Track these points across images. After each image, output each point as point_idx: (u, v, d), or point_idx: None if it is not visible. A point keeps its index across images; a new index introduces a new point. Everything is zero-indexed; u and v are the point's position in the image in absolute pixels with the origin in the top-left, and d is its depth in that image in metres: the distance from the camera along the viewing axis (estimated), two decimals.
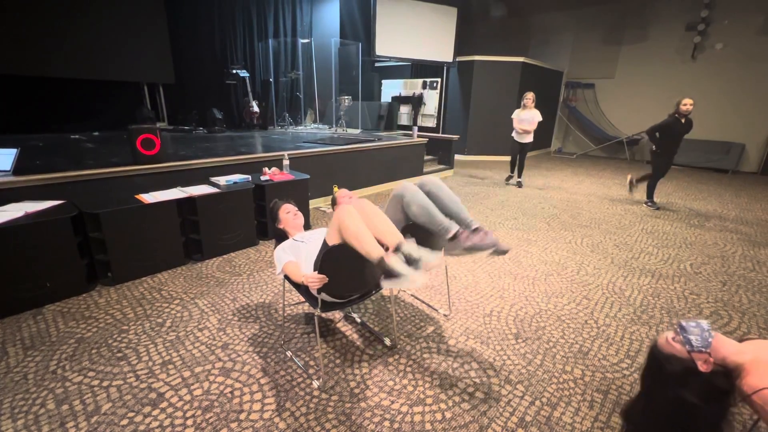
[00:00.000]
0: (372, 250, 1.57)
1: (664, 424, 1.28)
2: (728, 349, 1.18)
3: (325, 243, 1.75)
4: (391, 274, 1.55)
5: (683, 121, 4.62)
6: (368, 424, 1.59)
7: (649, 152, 5.30)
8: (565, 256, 3.41)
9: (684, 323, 1.26)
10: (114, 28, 6.32)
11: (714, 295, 2.78)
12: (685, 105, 4.54)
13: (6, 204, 2.54)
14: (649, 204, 5.16)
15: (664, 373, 1.25)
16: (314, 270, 1.67)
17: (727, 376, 1.16)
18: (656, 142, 4.89)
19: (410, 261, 1.57)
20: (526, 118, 5.68)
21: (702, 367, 1.18)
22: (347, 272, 1.75)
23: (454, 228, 1.87)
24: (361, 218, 1.64)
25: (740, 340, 1.26)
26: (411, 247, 1.61)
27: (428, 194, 1.96)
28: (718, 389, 1.16)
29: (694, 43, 8.42)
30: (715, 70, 8.35)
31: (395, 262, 1.53)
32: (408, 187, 1.97)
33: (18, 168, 2.82)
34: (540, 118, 5.68)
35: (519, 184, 6.18)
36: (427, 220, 1.89)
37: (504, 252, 1.84)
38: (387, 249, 1.62)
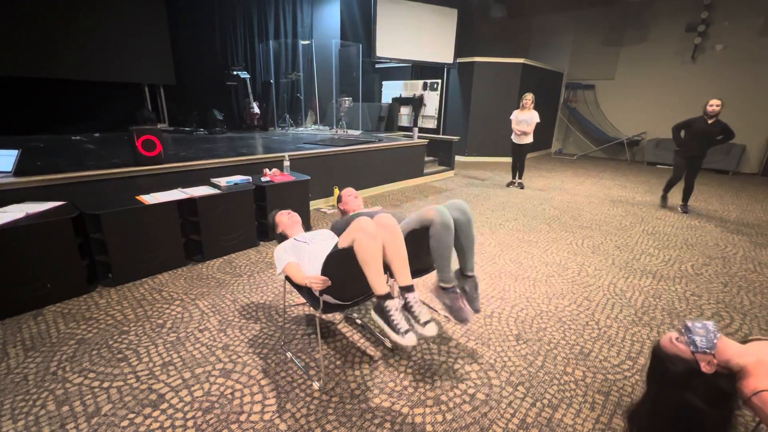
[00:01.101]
0: (377, 286, 1.55)
1: (668, 426, 1.27)
2: (732, 350, 1.17)
3: (336, 245, 1.74)
4: (381, 312, 1.56)
5: (710, 122, 4.46)
6: (369, 426, 1.58)
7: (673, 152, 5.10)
8: (565, 257, 3.41)
9: (689, 324, 1.25)
10: (115, 29, 6.33)
11: (715, 296, 2.77)
12: (711, 105, 4.41)
13: (7, 205, 2.54)
14: (663, 204, 5.20)
15: (667, 374, 1.24)
16: (322, 271, 1.66)
17: (730, 378, 1.15)
18: (678, 140, 4.79)
19: (409, 313, 1.57)
20: (524, 119, 5.68)
21: (705, 369, 1.16)
22: (352, 275, 1.74)
23: (451, 283, 1.84)
24: (380, 241, 1.57)
25: (744, 341, 1.24)
26: (419, 305, 1.60)
27: (455, 221, 1.81)
28: (721, 391, 1.15)
29: (695, 44, 8.42)
30: (716, 71, 8.36)
31: (392, 307, 1.54)
32: (443, 216, 1.76)
33: (19, 169, 2.82)
34: (538, 120, 5.65)
35: (520, 186, 6.18)
36: (437, 257, 1.79)
37: (465, 322, 1.88)
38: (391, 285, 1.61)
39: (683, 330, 1.25)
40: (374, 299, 1.60)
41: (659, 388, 1.31)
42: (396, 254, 1.62)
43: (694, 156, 4.68)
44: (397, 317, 1.53)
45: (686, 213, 4.94)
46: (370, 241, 1.53)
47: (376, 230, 1.57)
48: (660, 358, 1.28)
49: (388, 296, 1.56)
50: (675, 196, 5.22)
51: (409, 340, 1.50)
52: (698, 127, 4.52)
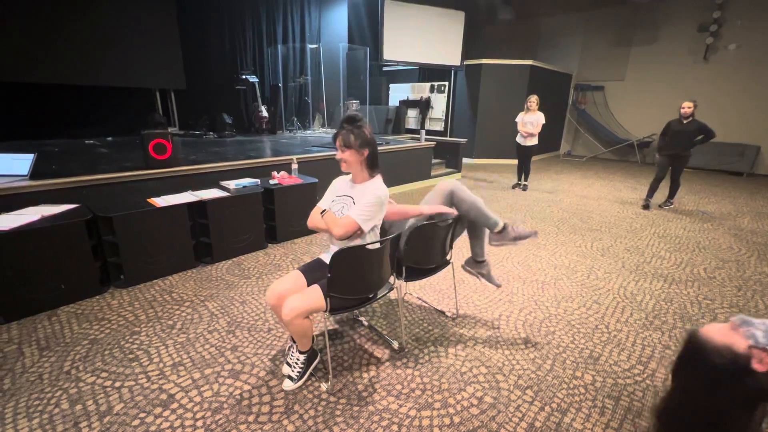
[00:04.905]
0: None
1: (701, 426, 1.21)
2: None
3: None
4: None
5: (685, 122, 4.80)
6: (376, 428, 1.59)
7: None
8: (575, 260, 3.38)
9: (746, 317, 1.18)
10: (126, 35, 6.45)
11: (729, 300, 2.72)
12: (683, 108, 4.78)
13: (23, 207, 2.60)
14: (644, 204, 5.25)
15: (707, 366, 1.17)
16: (329, 268, 1.67)
17: None
18: (660, 143, 5.11)
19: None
20: (530, 121, 5.69)
21: (757, 366, 1.11)
22: (357, 274, 1.76)
23: (502, 222, 2.11)
24: None
25: None
26: None
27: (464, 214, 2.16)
28: (764, 392, 1.11)
29: (707, 44, 8.30)
30: (729, 72, 8.22)
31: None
32: (456, 184, 2.13)
33: (35, 173, 2.88)
34: (543, 121, 5.66)
35: (524, 188, 6.14)
36: (477, 214, 2.10)
37: (535, 234, 2.18)
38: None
39: (738, 322, 1.18)
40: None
41: (694, 380, 1.23)
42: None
43: (675, 154, 4.94)
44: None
45: (669, 206, 5.22)
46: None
47: None
48: (700, 348, 1.17)
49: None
50: (657, 198, 5.30)
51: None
52: (674, 127, 4.89)
